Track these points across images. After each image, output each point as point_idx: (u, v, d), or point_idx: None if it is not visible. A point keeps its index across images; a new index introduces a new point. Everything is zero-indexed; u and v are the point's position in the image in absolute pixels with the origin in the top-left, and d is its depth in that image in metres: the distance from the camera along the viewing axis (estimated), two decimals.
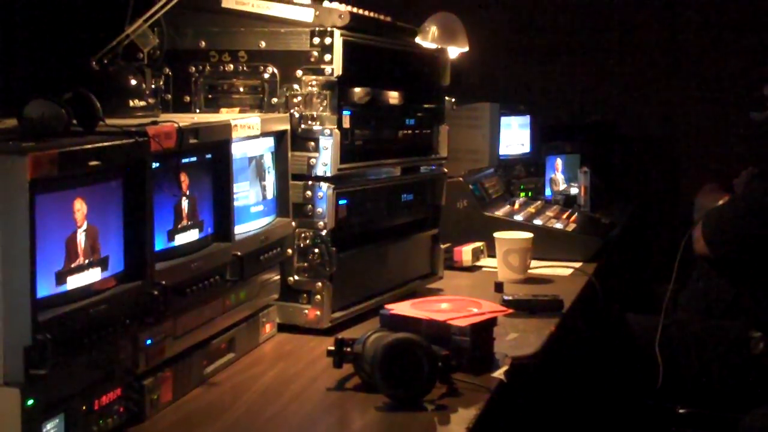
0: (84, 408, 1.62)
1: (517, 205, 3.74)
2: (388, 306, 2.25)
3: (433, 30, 2.78)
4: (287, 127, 2.38)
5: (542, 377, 2.58)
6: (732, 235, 3.28)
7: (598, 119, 5.15)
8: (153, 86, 2.40)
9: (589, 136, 4.93)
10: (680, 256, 3.32)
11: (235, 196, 2.12)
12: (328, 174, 2.39)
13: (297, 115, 2.39)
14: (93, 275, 1.61)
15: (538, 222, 3.59)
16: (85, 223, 1.58)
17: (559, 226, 3.61)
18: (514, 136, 4.53)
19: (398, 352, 1.92)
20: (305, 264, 2.41)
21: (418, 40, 2.78)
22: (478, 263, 3.33)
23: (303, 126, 2.39)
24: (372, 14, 2.61)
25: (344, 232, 2.49)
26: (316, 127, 2.39)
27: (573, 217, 3.79)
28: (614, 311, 3.56)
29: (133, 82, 2.20)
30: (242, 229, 2.19)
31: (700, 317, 3.37)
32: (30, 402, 1.47)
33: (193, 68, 2.47)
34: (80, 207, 1.57)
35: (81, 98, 1.70)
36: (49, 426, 1.53)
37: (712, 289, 3.40)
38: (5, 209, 1.42)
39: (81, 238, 1.58)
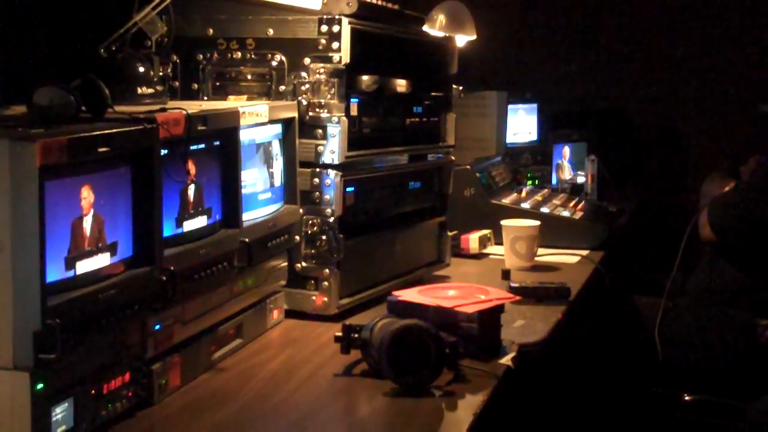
0: (93, 392, 1.63)
1: (524, 193, 3.74)
2: (396, 292, 2.25)
3: (440, 18, 2.77)
4: (295, 114, 2.38)
5: (549, 364, 2.59)
6: (737, 221, 3.28)
7: (605, 107, 5.15)
8: (161, 73, 2.41)
9: (596, 125, 4.93)
10: (685, 242, 3.33)
11: (243, 183, 2.13)
12: (336, 161, 2.40)
13: (305, 102, 2.40)
14: (102, 260, 1.62)
15: (545, 210, 3.59)
16: (92, 210, 1.59)
17: (566, 213, 3.62)
18: (521, 124, 4.54)
19: (406, 339, 1.93)
20: (313, 251, 2.42)
21: (425, 28, 2.78)
22: (485, 251, 3.33)
23: (311, 113, 2.40)
24: (380, 2, 2.61)
25: (352, 220, 2.50)
26: (324, 114, 2.39)
27: (580, 205, 3.79)
28: (621, 298, 3.56)
29: (141, 69, 2.20)
30: (250, 216, 2.19)
31: (707, 304, 3.37)
32: (39, 386, 1.49)
33: (201, 56, 2.48)
34: (88, 194, 1.58)
35: (90, 85, 1.71)
36: (58, 410, 1.54)
37: (719, 276, 3.40)
38: (15, 195, 1.43)
39: (90, 223, 1.58)
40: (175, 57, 2.47)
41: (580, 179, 4.32)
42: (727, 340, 3.25)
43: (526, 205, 3.59)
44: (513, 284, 2.74)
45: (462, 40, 2.92)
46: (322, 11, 2.39)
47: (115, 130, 1.62)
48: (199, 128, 1.93)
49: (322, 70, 2.39)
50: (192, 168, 1.95)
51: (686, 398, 3.26)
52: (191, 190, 1.95)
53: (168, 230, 1.85)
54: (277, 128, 2.35)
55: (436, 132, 2.92)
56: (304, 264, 2.43)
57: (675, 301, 3.41)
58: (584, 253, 3.38)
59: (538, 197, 3.77)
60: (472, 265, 3.21)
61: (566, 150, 4.52)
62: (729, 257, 3.37)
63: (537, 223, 3.19)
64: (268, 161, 2.31)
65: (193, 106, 1.99)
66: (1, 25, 2.31)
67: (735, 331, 3.25)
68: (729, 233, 3.32)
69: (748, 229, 3.27)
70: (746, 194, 3.31)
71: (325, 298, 2.42)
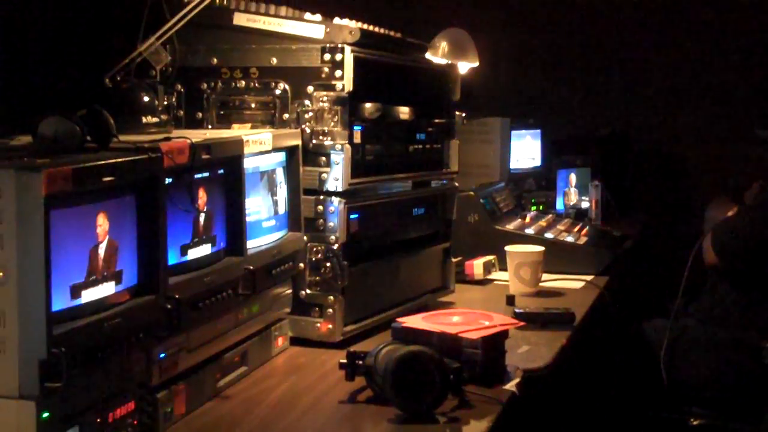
0: (98, 421, 1.63)
1: (528, 219, 3.75)
2: (400, 319, 2.26)
3: (443, 45, 2.79)
4: (299, 142, 2.39)
5: (554, 390, 2.58)
6: (741, 245, 3.28)
7: (609, 133, 5.16)
8: (165, 103, 2.42)
9: (600, 150, 4.93)
10: (689, 267, 3.32)
11: (247, 211, 2.14)
12: (340, 189, 2.41)
13: (308, 130, 2.41)
14: (107, 289, 1.63)
15: (549, 235, 3.59)
16: (98, 238, 1.60)
17: (570, 239, 3.62)
18: (525, 150, 4.55)
19: (410, 365, 1.93)
20: (317, 278, 2.42)
21: (428, 55, 2.79)
22: (490, 277, 3.33)
23: (314, 141, 2.41)
24: (382, 30, 2.62)
25: (356, 246, 2.50)
26: (328, 142, 2.40)
27: (584, 231, 3.79)
28: (626, 323, 3.56)
29: (146, 98, 2.22)
30: (254, 244, 2.20)
31: (712, 327, 3.37)
32: (45, 415, 1.49)
33: (205, 85, 2.49)
34: (96, 222, 1.58)
35: (95, 115, 1.72)
36: None
37: (723, 299, 3.40)
38: (21, 225, 1.44)
39: (92, 252, 1.59)
40: (179, 86, 2.49)
41: (584, 204, 4.33)
42: (734, 362, 3.25)
43: (530, 231, 3.60)
44: (517, 310, 2.74)
45: (464, 66, 2.94)
46: (324, 40, 2.40)
47: (119, 160, 1.63)
48: (204, 157, 1.94)
49: (325, 98, 2.40)
50: (202, 197, 1.96)
51: (694, 423, 3.25)
52: (196, 218, 1.96)
53: (173, 258, 1.86)
54: (281, 156, 2.36)
55: (439, 158, 2.93)
56: (308, 291, 2.43)
57: (680, 324, 3.40)
58: (589, 278, 3.38)
59: (542, 223, 3.77)
60: (477, 291, 3.21)
61: (573, 176, 4.52)
62: (733, 280, 3.37)
63: (541, 248, 3.19)
64: (272, 189, 2.32)
65: (197, 135, 2.01)
66: (6, 56, 2.33)
67: (741, 354, 3.24)
68: (733, 257, 3.32)
69: (751, 253, 3.27)
70: (749, 218, 3.31)
71: (330, 325, 2.42)
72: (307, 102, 2.42)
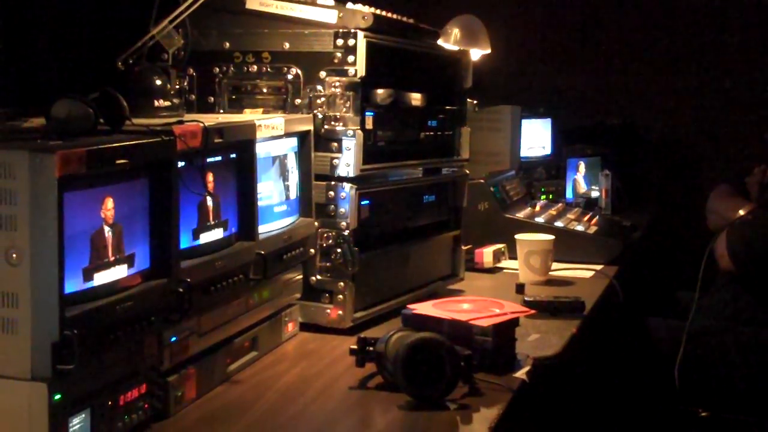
0: (110, 403, 1.64)
1: (538, 207, 3.74)
2: (411, 306, 2.26)
3: (455, 32, 2.78)
4: (310, 127, 2.39)
5: (564, 378, 2.58)
6: (759, 252, 3.24)
7: (619, 122, 5.15)
8: (177, 86, 2.41)
9: (611, 139, 4.92)
10: (703, 269, 3.25)
11: (259, 196, 2.14)
12: (351, 174, 2.41)
13: (320, 115, 2.41)
14: (119, 272, 1.63)
15: (559, 224, 3.59)
16: (113, 221, 1.60)
17: (580, 228, 3.61)
18: (535, 138, 4.54)
19: (421, 352, 1.93)
20: (328, 264, 2.42)
21: (440, 42, 2.78)
22: (499, 265, 3.33)
23: (326, 127, 2.40)
24: (395, 16, 2.61)
25: (366, 233, 2.50)
26: (339, 127, 2.40)
27: (594, 220, 3.78)
28: (635, 315, 3.54)
29: (158, 82, 2.22)
30: (266, 229, 2.20)
31: (725, 323, 3.34)
32: (57, 397, 1.49)
33: (217, 69, 2.48)
34: (108, 205, 1.58)
35: (108, 98, 1.72)
36: (75, 421, 1.55)
37: (736, 299, 3.36)
38: (34, 206, 1.44)
39: (108, 235, 1.59)
40: (191, 70, 2.48)
41: (594, 194, 4.32)
42: (746, 358, 3.22)
43: (540, 220, 3.59)
44: (527, 298, 2.74)
45: (476, 54, 2.93)
46: (337, 25, 2.40)
47: (133, 142, 1.64)
48: (216, 141, 1.94)
49: (337, 84, 2.40)
50: (210, 181, 1.96)
51: (702, 414, 3.23)
52: (208, 202, 1.96)
53: (185, 242, 1.86)
54: (293, 141, 2.36)
55: (450, 146, 2.92)
56: (318, 277, 2.43)
57: (693, 326, 3.35)
58: (598, 267, 3.37)
59: (552, 211, 3.76)
60: (486, 279, 3.21)
61: (583, 165, 4.51)
62: (749, 285, 3.33)
63: (551, 237, 3.19)
64: (283, 174, 2.32)
65: (209, 119, 2.00)
66: (19, 39, 2.33)
67: (754, 350, 3.21)
68: (749, 264, 3.27)
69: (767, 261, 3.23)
70: (765, 225, 3.26)
71: (340, 311, 2.42)
72: (319, 87, 2.41)
